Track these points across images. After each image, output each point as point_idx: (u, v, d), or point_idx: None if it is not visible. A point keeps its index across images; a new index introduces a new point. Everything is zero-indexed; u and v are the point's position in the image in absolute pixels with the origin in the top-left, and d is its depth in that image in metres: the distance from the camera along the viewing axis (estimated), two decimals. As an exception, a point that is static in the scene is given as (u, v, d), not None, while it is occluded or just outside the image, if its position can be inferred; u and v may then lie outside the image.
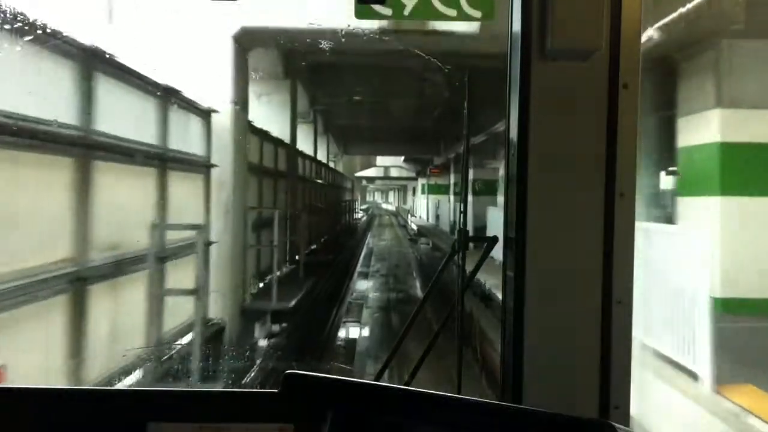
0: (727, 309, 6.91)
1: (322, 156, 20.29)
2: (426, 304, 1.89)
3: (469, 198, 18.42)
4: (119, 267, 4.96)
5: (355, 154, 34.54)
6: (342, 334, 10.50)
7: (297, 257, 11.81)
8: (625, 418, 1.36)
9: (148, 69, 5.69)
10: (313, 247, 15.05)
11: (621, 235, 1.37)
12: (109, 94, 5.02)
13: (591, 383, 1.36)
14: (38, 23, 4.14)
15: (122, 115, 5.32)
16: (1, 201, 3.82)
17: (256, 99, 12.21)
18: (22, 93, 4.03)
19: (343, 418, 1.09)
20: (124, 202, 5.33)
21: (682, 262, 5.72)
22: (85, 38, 4.68)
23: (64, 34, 4.42)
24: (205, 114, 7.17)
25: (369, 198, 71.65)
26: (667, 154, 9.46)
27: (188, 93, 6.66)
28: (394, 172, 43.09)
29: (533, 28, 1.34)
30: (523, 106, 1.37)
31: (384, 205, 71.01)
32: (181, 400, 1.20)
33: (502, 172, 10.47)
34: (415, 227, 30.65)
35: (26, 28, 4.05)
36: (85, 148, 4.64)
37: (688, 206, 8.18)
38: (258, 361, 6.78)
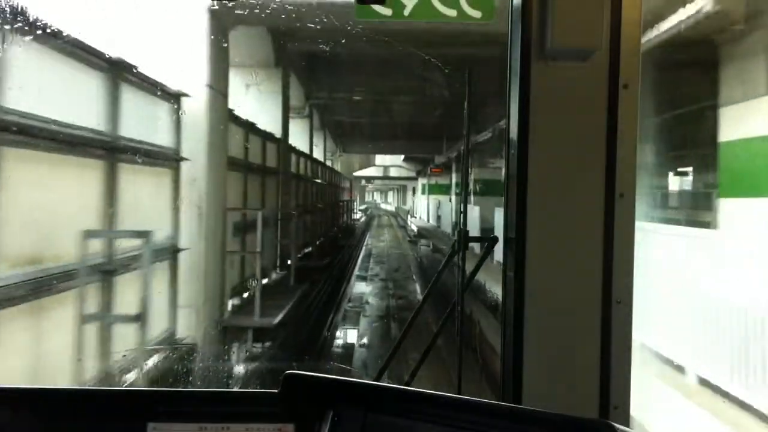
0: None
1: (318, 153, 19.50)
2: (427, 304, 1.95)
3: (475, 198, 17.94)
4: (38, 286, 3.85)
5: (354, 152, 34.31)
6: (336, 350, 9.60)
7: (289, 262, 10.85)
8: (625, 418, 1.36)
9: (95, 40, 4.62)
10: (308, 250, 14.19)
11: (621, 235, 1.38)
12: (29, 61, 3.94)
13: (591, 383, 1.37)
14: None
15: (51, 92, 4.21)
16: None
17: (245, 89, 11.45)
18: None
19: (343, 418, 1.10)
20: (53, 202, 4.22)
21: (733, 276, 4.86)
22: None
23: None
24: (174, 98, 6.06)
25: (368, 198, 72.27)
26: (703, 150, 8.56)
27: (153, 72, 5.58)
28: (393, 172, 43.02)
29: (533, 28, 1.36)
30: (523, 106, 1.38)
31: (383, 206, 71.42)
32: (181, 400, 1.20)
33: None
34: (415, 228, 30.37)
35: None
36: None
37: (733, 209, 7.17)
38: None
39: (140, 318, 4.58)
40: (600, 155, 1.36)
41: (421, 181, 37.12)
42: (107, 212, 4.69)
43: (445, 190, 28.61)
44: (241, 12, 7.12)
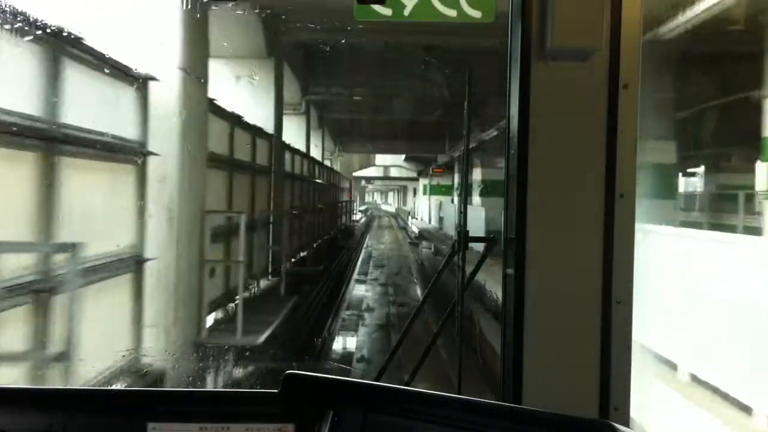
0: None
1: (316, 153, 18.68)
2: (427, 304, 2.03)
3: (480, 200, 17.22)
4: None
5: (353, 152, 33.79)
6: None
7: (281, 268, 10.03)
8: (625, 419, 1.35)
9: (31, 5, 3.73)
10: (303, 254, 13.35)
11: (621, 235, 1.38)
12: None
13: (591, 383, 1.37)
14: None
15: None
16: None
17: (234, 81, 10.70)
18: None
19: (343, 418, 1.10)
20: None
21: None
22: None
23: None
24: (137, 81, 5.13)
25: (368, 198, 72.30)
26: (745, 144, 7.74)
27: (111, 48, 4.67)
28: (394, 172, 42.70)
29: (533, 28, 1.36)
30: (523, 106, 1.39)
31: (383, 207, 71.34)
32: (181, 400, 1.20)
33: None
34: (416, 230, 29.88)
35: None
36: None
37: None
38: None
39: (64, 356, 3.63)
40: (600, 155, 1.38)
41: (423, 182, 36.77)
42: (37, 218, 3.77)
43: (446, 190, 28.29)
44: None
